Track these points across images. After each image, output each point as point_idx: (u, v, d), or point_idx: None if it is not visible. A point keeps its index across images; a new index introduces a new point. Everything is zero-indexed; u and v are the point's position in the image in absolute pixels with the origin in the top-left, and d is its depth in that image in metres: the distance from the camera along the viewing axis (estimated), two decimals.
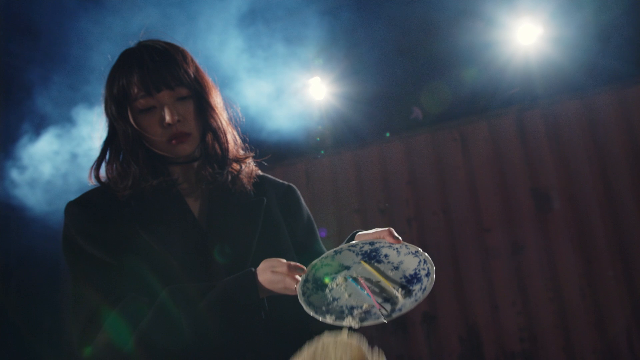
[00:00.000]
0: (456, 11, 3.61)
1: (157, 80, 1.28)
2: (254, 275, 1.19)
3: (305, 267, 1.20)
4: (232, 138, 1.42)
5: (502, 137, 3.80)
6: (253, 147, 1.48)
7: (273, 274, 1.17)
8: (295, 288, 1.15)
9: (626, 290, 3.39)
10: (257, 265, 1.22)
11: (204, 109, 1.36)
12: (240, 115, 1.46)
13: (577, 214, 3.55)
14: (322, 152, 4.16)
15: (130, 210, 1.31)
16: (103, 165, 1.37)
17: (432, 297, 3.84)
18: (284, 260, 1.19)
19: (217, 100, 1.39)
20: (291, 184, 1.55)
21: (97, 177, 1.35)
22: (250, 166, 1.44)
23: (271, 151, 4.12)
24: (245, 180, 1.42)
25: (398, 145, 4.07)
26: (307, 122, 4.02)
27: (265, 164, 1.50)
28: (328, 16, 3.63)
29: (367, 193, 4.13)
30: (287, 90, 3.84)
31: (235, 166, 1.42)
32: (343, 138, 4.07)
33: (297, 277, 1.17)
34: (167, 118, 1.29)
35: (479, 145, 3.85)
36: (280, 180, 1.55)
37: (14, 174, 3.42)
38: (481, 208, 3.79)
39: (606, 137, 3.54)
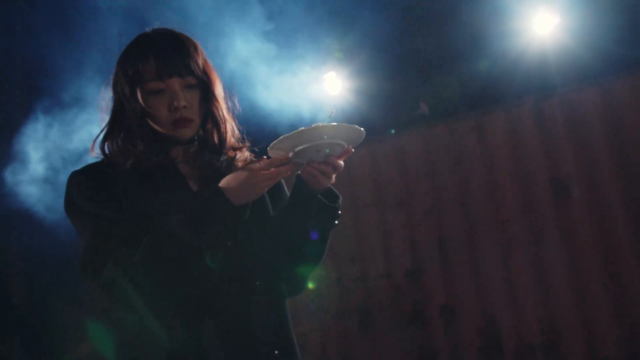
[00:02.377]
0: (473, 2, 3.59)
1: (170, 67, 1.40)
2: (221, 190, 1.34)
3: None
4: (231, 128, 1.53)
5: (519, 126, 3.77)
6: (250, 138, 1.56)
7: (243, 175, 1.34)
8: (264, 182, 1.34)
9: None
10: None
11: (208, 98, 1.47)
12: (237, 107, 1.56)
13: (597, 203, 3.52)
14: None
15: (132, 182, 1.41)
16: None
17: (450, 289, 3.83)
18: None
19: (220, 92, 1.50)
20: None
21: (103, 149, 1.47)
22: (245, 154, 1.54)
23: None
24: (240, 165, 1.49)
25: (414, 137, 4.05)
26: (323, 117, 4.02)
27: (257, 149, 1.57)
28: (344, 11, 3.63)
29: (383, 186, 4.12)
30: (303, 85, 3.84)
31: (231, 153, 1.51)
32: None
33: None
34: (177, 103, 1.40)
35: (496, 136, 3.83)
36: None
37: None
38: (499, 198, 3.77)
39: (624, 125, 3.50)
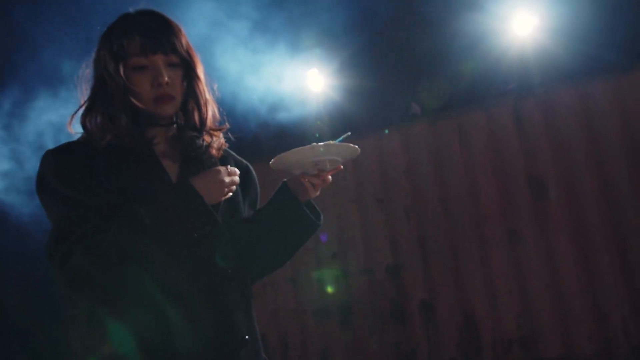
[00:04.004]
0: (453, 3, 3.62)
1: (154, 44, 1.41)
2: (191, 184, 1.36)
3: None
4: (212, 111, 1.54)
5: (498, 126, 3.83)
6: (230, 120, 1.59)
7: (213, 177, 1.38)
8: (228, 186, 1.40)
9: (622, 276, 3.43)
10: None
11: (191, 78, 1.48)
12: (216, 94, 1.57)
13: (573, 202, 3.59)
14: (317, 135, 4.19)
15: (108, 163, 1.40)
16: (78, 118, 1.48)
17: (430, 285, 3.88)
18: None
19: (202, 74, 1.51)
20: (249, 164, 1.67)
21: (84, 124, 1.45)
22: (220, 139, 1.56)
23: (269, 142, 4.14)
24: (214, 152, 1.54)
25: (396, 136, 4.09)
26: (305, 114, 4.04)
27: (233, 138, 1.61)
28: (326, 9, 3.65)
29: (364, 183, 4.15)
30: (285, 82, 3.85)
31: (207, 138, 1.53)
32: (340, 130, 4.09)
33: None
34: (160, 79, 1.41)
35: (476, 135, 3.88)
36: (240, 158, 1.67)
37: None
38: (479, 197, 3.82)
39: (601, 125, 3.57)
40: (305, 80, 4.03)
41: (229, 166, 1.43)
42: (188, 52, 1.47)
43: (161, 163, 1.46)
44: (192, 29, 1.61)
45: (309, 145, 1.45)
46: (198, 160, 1.50)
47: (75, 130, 1.48)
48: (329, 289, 4.14)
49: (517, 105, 3.79)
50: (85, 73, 1.50)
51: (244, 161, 1.66)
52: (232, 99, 3.37)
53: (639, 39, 3.42)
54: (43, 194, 1.40)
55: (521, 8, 3.60)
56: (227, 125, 1.58)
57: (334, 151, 1.47)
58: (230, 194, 1.44)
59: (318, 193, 1.54)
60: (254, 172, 1.67)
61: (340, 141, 1.51)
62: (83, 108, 1.47)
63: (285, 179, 1.57)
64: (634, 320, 3.38)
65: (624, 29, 3.39)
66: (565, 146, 3.65)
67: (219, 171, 1.40)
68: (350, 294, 4.08)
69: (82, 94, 1.49)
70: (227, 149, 1.63)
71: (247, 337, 1.45)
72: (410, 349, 3.85)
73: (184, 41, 1.46)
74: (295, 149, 1.45)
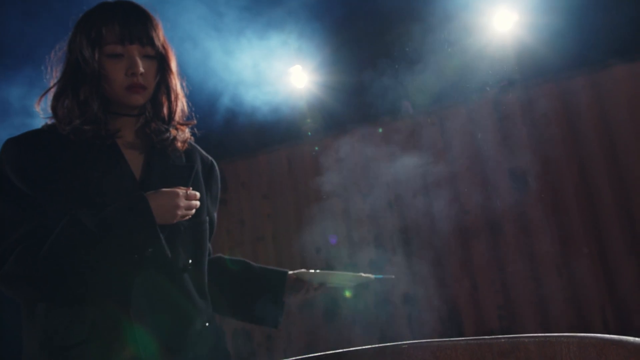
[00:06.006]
0: None
1: (132, 34, 1.41)
2: (146, 199, 1.35)
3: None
4: (182, 105, 1.56)
5: (479, 120, 3.88)
6: (197, 116, 1.61)
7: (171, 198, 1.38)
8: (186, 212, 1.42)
9: (600, 267, 3.51)
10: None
11: (165, 71, 1.49)
12: (186, 89, 1.59)
13: (552, 194, 3.66)
14: (309, 133, 4.23)
15: (68, 154, 1.39)
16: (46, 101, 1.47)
17: (413, 278, 3.93)
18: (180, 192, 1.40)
19: (175, 68, 1.53)
20: (214, 160, 1.70)
21: (54, 107, 1.44)
22: (186, 133, 1.58)
23: (253, 138, 4.15)
24: (179, 145, 1.55)
25: (377, 130, 4.13)
26: (289, 110, 4.07)
27: (196, 131, 1.64)
28: (309, 6, 3.67)
29: (348, 178, 4.19)
30: (269, 78, 3.88)
31: (173, 132, 1.53)
32: (324, 125, 4.13)
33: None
34: (135, 69, 1.41)
35: (457, 129, 3.93)
36: (206, 154, 1.69)
37: None
38: (460, 189, 3.88)
39: (580, 119, 3.64)
40: (289, 77, 4.06)
41: (190, 189, 1.43)
42: (164, 46, 1.48)
43: (124, 156, 1.45)
44: (175, 25, 1.63)
45: (351, 274, 1.65)
46: (163, 153, 1.50)
47: (43, 113, 1.47)
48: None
49: (497, 99, 3.85)
50: (57, 55, 1.49)
51: (209, 157, 1.68)
52: (215, 95, 3.39)
53: (617, 35, 3.49)
54: None
55: (501, 4, 3.65)
56: (195, 120, 1.59)
57: (361, 282, 1.67)
58: (184, 219, 1.42)
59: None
60: (217, 168, 1.69)
61: (377, 278, 1.68)
62: (54, 90, 1.46)
63: (289, 271, 1.69)
64: (611, 308, 3.46)
65: (602, 25, 3.45)
66: (545, 139, 3.71)
67: (177, 194, 1.38)
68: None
69: (53, 76, 1.48)
70: (193, 143, 1.64)
71: (207, 324, 1.47)
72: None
73: (160, 35, 1.47)
74: (339, 273, 1.65)
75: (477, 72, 3.77)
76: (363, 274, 1.65)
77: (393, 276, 1.72)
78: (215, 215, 1.68)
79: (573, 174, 3.62)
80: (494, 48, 3.75)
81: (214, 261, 1.69)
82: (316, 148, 4.20)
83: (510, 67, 3.75)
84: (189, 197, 1.41)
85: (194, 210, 1.43)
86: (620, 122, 3.53)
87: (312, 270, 1.65)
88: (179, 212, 1.38)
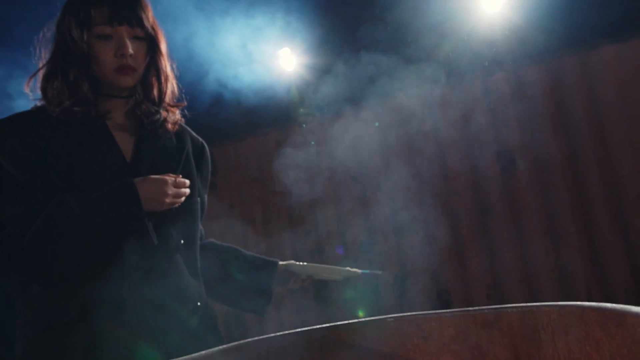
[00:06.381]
0: None
1: (122, 15, 1.40)
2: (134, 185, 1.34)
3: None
4: (171, 87, 1.55)
5: (468, 101, 3.89)
6: (187, 98, 1.60)
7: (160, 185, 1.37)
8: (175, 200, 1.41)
9: (587, 247, 3.54)
10: (175, 207, 1.43)
11: (154, 52, 1.48)
12: (176, 71, 1.58)
13: (540, 175, 3.68)
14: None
15: (58, 136, 1.38)
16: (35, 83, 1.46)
17: (402, 259, 3.96)
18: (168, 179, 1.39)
19: (165, 50, 1.52)
20: (204, 142, 1.70)
21: (44, 88, 1.43)
22: (177, 115, 1.57)
23: (242, 120, 4.14)
24: (170, 127, 1.54)
25: (366, 113, 4.13)
26: (278, 93, 4.06)
27: (187, 113, 1.62)
28: None
29: (338, 161, 4.20)
30: (258, 61, 3.86)
31: (164, 113, 1.53)
32: (314, 108, 4.13)
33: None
34: (124, 50, 1.40)
35: (445, 111, 3.94)
36: (196, 135, 1.68)
37: None
38: (449, 171, 3.90)
39: (568, 100, 3.66)
40: (278, 60, 4.04)
41: (179, 176, 1.42)
42: (153, 28, 1.47)
43: (114, 137, 1.44)
44: (162, 5, 1.62)
45: (339, 268, 1.73)
46: (154, 134, 1.50)
47: (33, 95, 1.46)
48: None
49: (486, 81, 3.86)
50: (46, 36, 1.48)
51: (200, 139, 1.68)
52: (203, 78, 3.38)
53: (606, 16, 3.49)
54: None
55: None
56: (185, 102, 1.58)
57: (348, 276, 1.74)
58: (173, 206, 1.41)
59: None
60: (208, 150, 1.69)
61: (364, 273, 1.75)
62: (42, 72, 1.45)
63: (280, 261, 1.75)
64: (597, 287, 3.50)
65: (591, 5, 3.46)
66: (533, 120, 3.72)
67: (166, 182, 1.38)
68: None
69: (42, 57, 1.47)
70: (184, 125, 1.63)
71: (199, 303, 1.47)
72: None
73: (150, 16, 1.46)
74: (327, 267, 1.73)
75: (466, 53, 3.78)
76: (350, 269, 1.71)
77: (380, 272, 1.75)
78: (206, 197, 1.67)
79: (562, 153, 3.64)
80: (483, 29, 3.75)
81: (205, 247, 1.69)
82: (303, 125, 4.20)
83: (499, 48, 3.75)
84: (177, 185, 1.40)
85: (182, 198, 1.43)
86: (608, 102, 3.55)
87: (301, 263, 1.72)
88: (167, 200, 1.37)
